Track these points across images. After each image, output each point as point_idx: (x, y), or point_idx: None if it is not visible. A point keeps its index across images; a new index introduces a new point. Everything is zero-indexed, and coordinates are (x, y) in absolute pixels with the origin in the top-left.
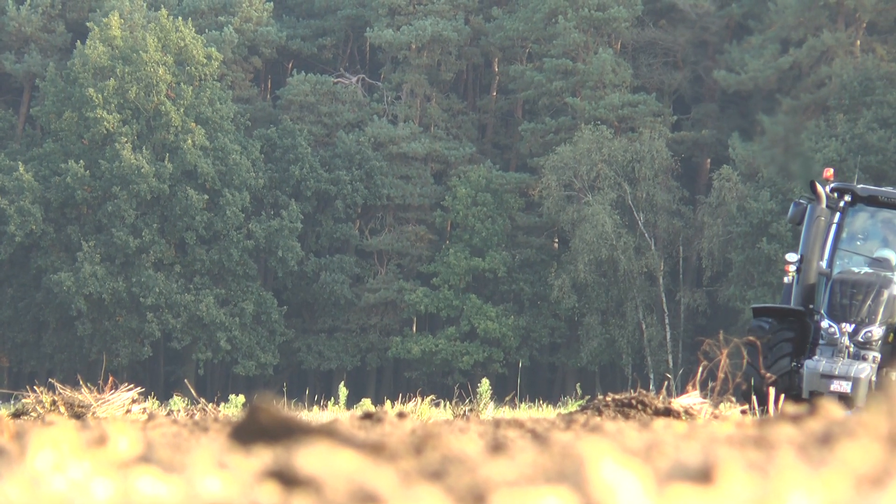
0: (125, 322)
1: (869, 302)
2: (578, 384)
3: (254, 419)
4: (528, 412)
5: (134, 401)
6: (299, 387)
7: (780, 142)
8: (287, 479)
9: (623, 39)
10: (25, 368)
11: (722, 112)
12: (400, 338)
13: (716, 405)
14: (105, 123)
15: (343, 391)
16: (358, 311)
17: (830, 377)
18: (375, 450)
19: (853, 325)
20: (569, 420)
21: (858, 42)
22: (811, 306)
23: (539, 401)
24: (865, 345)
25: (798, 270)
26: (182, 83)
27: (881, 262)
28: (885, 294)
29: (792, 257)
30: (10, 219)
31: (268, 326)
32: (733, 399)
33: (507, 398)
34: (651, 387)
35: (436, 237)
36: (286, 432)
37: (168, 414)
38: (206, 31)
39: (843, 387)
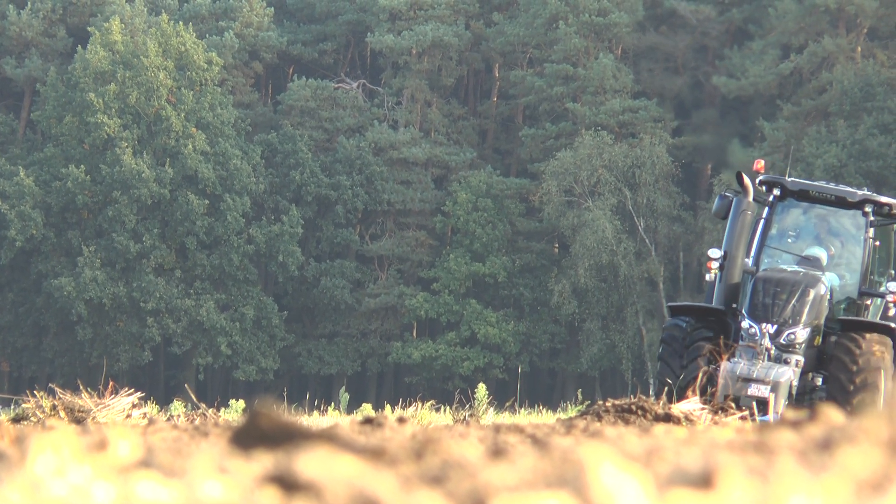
0: (126, 327)
1: (793, 302)
2: (579, 389)
3: (254, 424)
4: (528, 417)
5: (134, 405)
6: (299, 392)
7: (780, 147)
8: (287, 484)
9: (624, 45)
10: (26, 373)
11: (722, 118)
12: (400, 343)
13: (715, 411)
14: (106, 128)
15: (344, 396)
16: (358, 317)
17: (748, 380)
18: (376, 455)
19: (775, 327)
20: (569, 425)
21: (859, 48)
22: (734, 306)
23: (539, 406)
24: (788, 347)
25: (721, 268)
26: (183, 88)
27: (811, 261)
28: (812, 294)
29: (715, 253)
30: (11, 223)
31: (268, 331)
32: (732, 405)
33: (508, 403)
34: (651, 392)
35: (436, 242)
36: (286, 437)
37: (168, 419)
38: (207, 36)
39: (762, 391)
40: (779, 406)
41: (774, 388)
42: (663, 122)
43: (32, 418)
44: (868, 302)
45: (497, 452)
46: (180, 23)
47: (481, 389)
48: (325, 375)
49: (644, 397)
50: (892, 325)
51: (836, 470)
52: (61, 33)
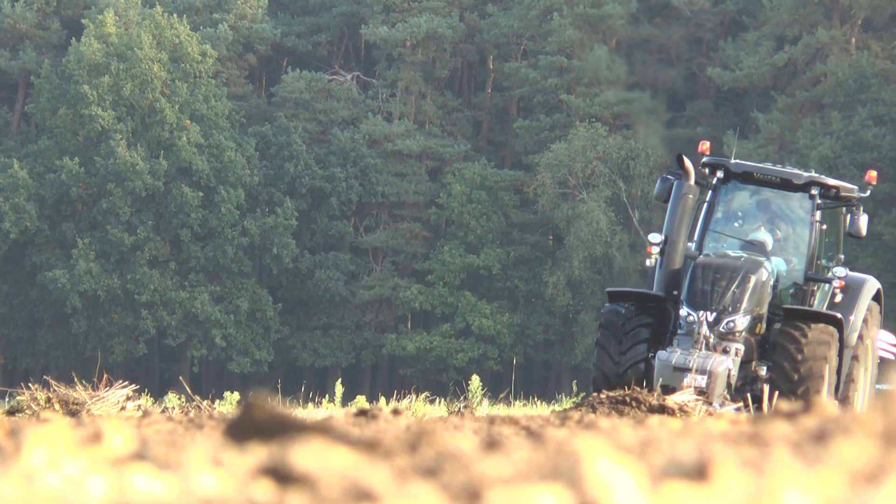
0: (120, 319)
1: (733, 289)
2: (574, 381)
3: (248, 416)
4: (522, 409)
5: (129, 398)
6: (294, 384)
7: (775, 139)
8: (282, 476)
9: (618, 36)
10: (20, 366)
11: (717, 109)
12: (395, 335)
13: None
14: (100, 120)
15: (339, 388)
16: (353, 309)
17: (684, 370)
18: (370, 447)
19: (714, 314)
20: (563, 417)
21: (853, 39)
22: (676, 292)
23: (534, 398)
24: (727, 336)
25: (662, 253)
26: (177, 80)
27: (755, 246)
28: (753, 280)
29: (655, 238)
30: (5, 216)
31: (263, 323)
32: (727, 396)
33: (502, 395)
34: (645, 384)
35: (430, 234)
36: (281, 429)
37: (163, 411)
38: (201, 28)
39: (698, 381)
40: (715, 397)
41: (711, 378)
42: (657, 114)
43: (27, 411)
44: (815, 288)
45: (491, 444)
46: (174, 15)
47: (475, 381)
48: (319, 367)
49: (638, 389)
50: (839, 315)
51: (830, 462)
52: (55, 26)
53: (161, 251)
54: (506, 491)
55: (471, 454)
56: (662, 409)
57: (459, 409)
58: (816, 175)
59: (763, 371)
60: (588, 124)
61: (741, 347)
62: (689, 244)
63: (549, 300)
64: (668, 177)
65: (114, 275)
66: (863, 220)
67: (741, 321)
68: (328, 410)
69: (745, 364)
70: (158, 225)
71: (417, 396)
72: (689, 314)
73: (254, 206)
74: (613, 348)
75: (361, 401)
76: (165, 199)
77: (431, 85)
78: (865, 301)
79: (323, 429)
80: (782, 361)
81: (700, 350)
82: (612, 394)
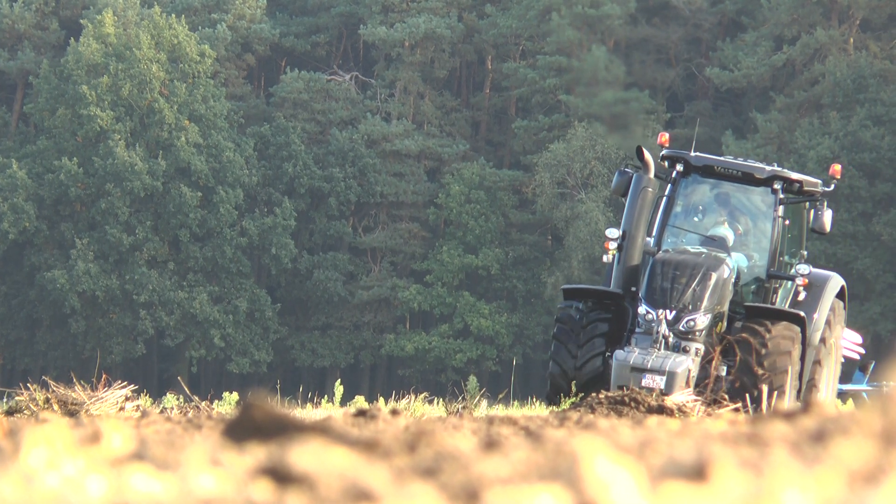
0: (118, 319)
1: (693, 286)
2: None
3: (247, 416)
4: (521, 409)
5: (127, 398)
6: (293, 384)
7: (773, 139)
8: (281, 476)
9: (616, 37)
10: (19, 366)
11: (715, 110)
12: (393, 335)
13: (708, 402)
14: (98, 121)
15: (339, 389)
16: (351, 309)
17: (641, 370)
18: (369, 447)
19: (673, 312)
20: (562, 417)
21: (852, 39)
22: (634, 289)
23: (532, 398)
24: (687, 335)
25: (620, 248)
26: (175, 80)
27: (716, 241)
28: (714, 277)
29: (613, 233)
30: (4, 216)
31: (261, 324)
32: (726, 396)
33: (501, 395)
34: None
35: (429, 234)
36: (280, 430)
37: (161, 411)
38: (200, 28)
39: (656, 381)
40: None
41: (670, 378)
42: (656, 114)
43: (26, 411)
44: (777, 285)
45: (490, 444)
46: (173, 15)
47: (472, 381)
48: (318, 368)
49: (637, 389)
50: (801, 313)
51: (829, 462)
52: (54, 26)
53: (160, 251)
54: (504, 491)
55: (470, 454)
56: (661, 410)
57: (458, 409)
58: (779, 169)
59: (724, 371)
60: (586, 124)
61: (701, 347)
62: (648, 239)
63: (547, 300)
64: (627, 170)
65: (112, 275)
66: (827, 216)
67: (701, 320)
68: (327, 411)
69: (705, 364)
70: (157, 225)
71: (416, 397)
72: (647, 312)
73: (252, 207)
74: (571, 342)
75: (360, 401)
76: (164, 200)
77: (430, 85)
78: (829, 299)
79: (322, 429)
80: (746, 356)
81: (659, 349)
82: (610, 394)
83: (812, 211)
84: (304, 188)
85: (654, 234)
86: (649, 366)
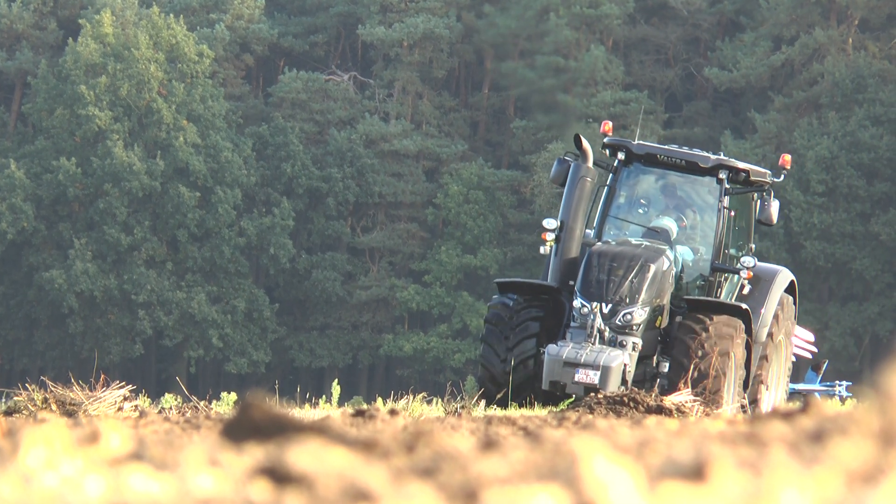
0: (117, 319)
1: (631, 278)
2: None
3: (245, 416)
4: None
5: (125, 398)
6: (291, 384)
7: (772, 139)
8: (279, 476)
9: (615, 37)
10: (17, 366)
11: (714, 110)
12: (392, 335)
13: (707, 402)
14: (97, 121)
15: (336, 389)
16: (350, 309)
17: (574, 365)
18: (367, 447)
19: (610, 306)
20: (561, 417)
21: (850, 39)
22: (571, 283)
23: (531, 398)
24: (624, 329)
25: (558, 240)
26: (174, 80)
27: (658, 233)
28: (652, 270)
29: (550, 224)
30: (2, 216)
31: (259, 324)
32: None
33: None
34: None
35: (427, 235)
36: (278, 430)
37: (160, 411)
38: (198, 28)
39: (590, 377)
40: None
41: (604, 373)
42: (655, 115)
43: (24, 411)
44: (723, 279)
45: (489, 444)
46: (171, 15)
47: (471, 381)
48: (316, 368)
49: (636, 389)
50: (744, 305)
51: (828, 462)
52: (52, 26)
53: (158, 251)
54: (503, 491)
55: (468, 454)
56: (660, 410)
57: (457, 409)
58: (724, 158)
59: (665, 367)
60: (585, 124)
61: (638, 341)
62: (588, 231)
63: None
64: (566, 158)
65: (110, 275)
66: (774, 207)
67: (639, 313)
68: (325, 411)
69: (645, 359)
70: (155, 225)
71: (414, 397)
72: (582, 306)
73: (251, 207)
74: (500, 345)
75: (358, 401)
76: (162, 200)
77: (428, 85)
78: (777, 294)
79: (320, 429)
80: (681, 358)
81: (593, 344)
82: (609, 394)
83: (759, 202)
84: (302, 188)
85: (594, 225)
86: (582, 360)
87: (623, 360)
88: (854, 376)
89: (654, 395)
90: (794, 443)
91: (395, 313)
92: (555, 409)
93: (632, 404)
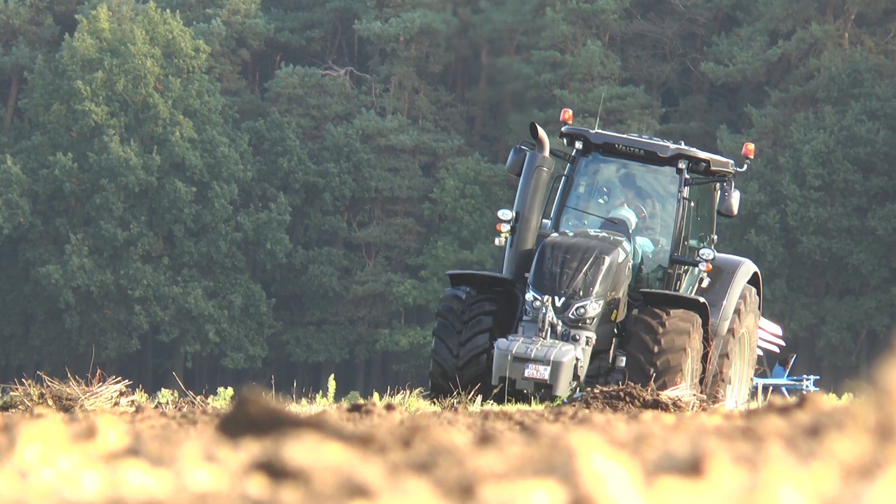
0: (113, 315)
1: (585, 270)
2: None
3: (242, 411)
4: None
5: (122, 393)
6: (287, 379)
7: (768, 134)
8: (275, 471)
9: (611, 31)
10: (13, 361)
11: (710, 104)
12: (388, 330)
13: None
14: (93, 116)
15: (333, 384)
16: (346, 304)
17: (524, 360)
18: (364, 442)
19: (562, 299)
20: (557, 412)
21: (847, 34)
22: (526, 274)
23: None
24: (577, 322)
25: (513, 231)
26: (170, 76)
27: (616, 224)
28: (607, 262)
29: (505, 215)
30: None
31: (256, 319)
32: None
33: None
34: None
35: (424, 229)
36: (274, 425)
37: (156, 406)
38: (194, 23)
39: (540, 372)
40: (560, 389)
41: (555, 368)
42: (651, 109)
43: (20, 406)
44: (683, 271)
45: (485, 439)
46: (167, 10)
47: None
48: (313, 363)
49: (632, 384)
50: (701, 299)
51: (824, 456)
52: (48, 21)
53: (154, 246)
54: (499, 486)
55: (464, 449)
56: (656, 405)
57: (453, 404)
58: (685, 147)
59: (622, 361)
60: (581, 119)
61: (592, 336)
62: (545, 222)
63: None
64: (522, 147)
65: (107, 270)
66: (735, 197)
67: (593, 307)
68: (321, 406)
69: (601, 353)
70: (152, 220)
71: (411, 392)
72: (535, 299)
73: (247, 202)
74: (452, 339)
75: (355, 396)
76: (159, 195)
77: (425, 80)
78: (739, 286)
79: (316, 424)
80: (637, 353)
81: (545, 338)
82: (606, 388)
83: (720, 192)
84: (298, 183)
85: (551, 216)
86: (532, 355)
87: (575, 354)
88: (851, 371)
89: (650, 389)
90: (791, 438)
91: (391, 308)
92: (504, 407)
93: (628, 399)
